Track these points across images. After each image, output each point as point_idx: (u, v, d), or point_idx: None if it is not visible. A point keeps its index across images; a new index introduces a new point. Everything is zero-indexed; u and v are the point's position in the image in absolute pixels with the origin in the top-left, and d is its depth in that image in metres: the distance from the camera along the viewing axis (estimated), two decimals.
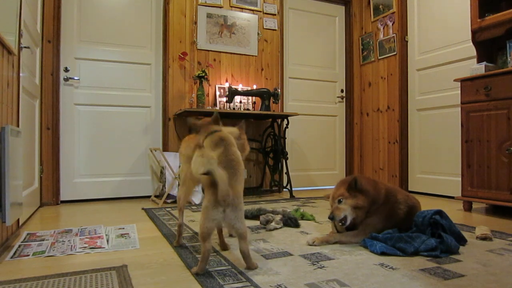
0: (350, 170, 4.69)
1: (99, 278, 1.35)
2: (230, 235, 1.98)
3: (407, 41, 4.06)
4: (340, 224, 1.80)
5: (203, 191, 2.37)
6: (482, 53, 2.95)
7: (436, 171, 3.72)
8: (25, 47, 2.29)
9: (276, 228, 2.18)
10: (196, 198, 3.24)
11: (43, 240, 1.95)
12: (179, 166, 3.10)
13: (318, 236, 1.86)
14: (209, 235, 1.38)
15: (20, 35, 2.09)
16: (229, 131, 1.70)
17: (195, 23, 3.76)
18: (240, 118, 3.82)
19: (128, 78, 3.61)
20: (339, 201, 1.78)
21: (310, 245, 1.79)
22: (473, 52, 3.04)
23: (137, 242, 1.91)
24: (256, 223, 2.31)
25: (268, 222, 2.24)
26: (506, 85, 2.55)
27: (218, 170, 1.32)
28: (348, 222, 1.78)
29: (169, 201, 3.24)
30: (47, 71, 3.21)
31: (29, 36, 2.55)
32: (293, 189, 3.81)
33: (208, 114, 3.49)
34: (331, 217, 1.77)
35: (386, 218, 1.84)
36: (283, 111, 4.22)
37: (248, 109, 3.82)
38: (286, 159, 3.77)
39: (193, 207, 3.03)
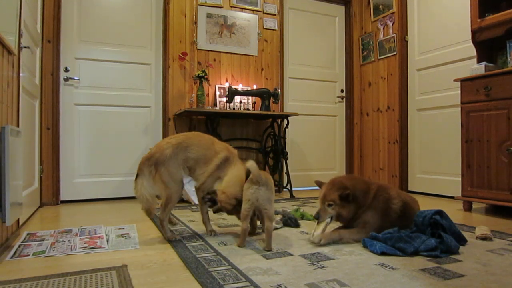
0: (350, 170, 4.69)
1: (99, 278, 1.35)
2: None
3: (407, 41, 4.06)
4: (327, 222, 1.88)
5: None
6: (482, 53, 2.95)
7: (436, 171, 3.72)
8: (25, 47, 2.29)
9: (276, 228, 2.18)
10: (196, 197, 3.23)
11: (43, 240, 1.95)
12: None
13: (323, 233, 1.85)
14: (247, 216, 1.76)
15: (20, 35, 2.09)
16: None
17: (195, 23, 3.76)
18: (240, 118, 3.83)
19: (128, 78, 3.61)
20: (329, 205, 1.84)
21: (317, 244, 1.78)
22: (473, 52, 3.04)
23: (137, 242, 1.91)
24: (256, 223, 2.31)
25: None
26: (506, 85, 2.55)
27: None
28: (328, 222, 1.87)
29: None
30: (47, 71, 3.21)
31: (29, 36, 2.55)
32: (293, 189, 3.81)
33: (208, 114, 3.49)
34: (317, 217, 1.85)
35: (382, 214, 1.86)
36: (283, 111, 4.22)
37: (248, 109, 3.82)
38: (286, 159, 3.77)
39: (193, 207, 3.03)
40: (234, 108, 3.73)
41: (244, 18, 3.97)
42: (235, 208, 1.89)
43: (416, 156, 3.97)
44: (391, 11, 4.13)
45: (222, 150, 1.99)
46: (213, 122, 3.42)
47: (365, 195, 1.86)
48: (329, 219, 1.86)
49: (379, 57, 4.31)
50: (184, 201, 3.29)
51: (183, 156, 1.92)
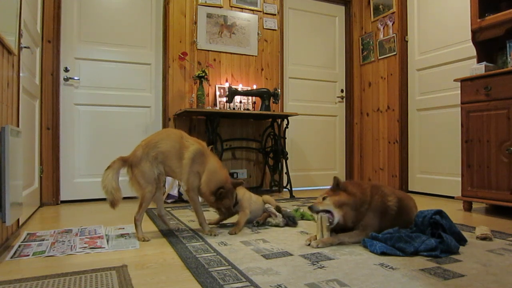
0: (350, 170, 4.70)
1: (99, 278, 1.35)
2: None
3: (407, 41, 4.06)
4: (328, 224, 1.78)
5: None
6: (482, 53, 2.95)
7: (436, 171, 3.72)
8: (25, 47, 2.29)
9: (279, 226, 2.22)
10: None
11: (43, 240, 1.95)
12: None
13: (321, 238, 1.82)
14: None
15: (20, 35, 2.09)
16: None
17: (195, 23, 3.76)
18: (240, 118, 3.83)
19: (128, 78, 3.61)
20: (323, 198, 1.86)
21: (315, 247, 1.75)
22: (473, 52, 3.04)
23: (137, 242, 1.91)
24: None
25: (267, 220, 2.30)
26: (506, 85, 2.55)
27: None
28: (336, 221, 1.78)
29: (169, 201, 3.24)
30: (47, 71, 3.21)
31: (29, 36, 2.55)
32: (293, 189, 3.81)
33: (208, 114, 3.49)
34: (310, 207, 1.83)
35: (380, 213, 1.85)
36: (283, 111, 4.22)
37: (248, 109, 3.82)
38: (286, 159, 3.77)
39: None
40: (234, 108, 3.73)
41: (244, 18, 3.97)
42: (219, 200, 2.04)
43: (416, 156, 3.97)
44: (391, 11, 4.13)
45: (192, 144, 2.02)
46: (213, 122, 3.42)
47: (361, 190, 1.87)
48: (331, 219, 1.79)
49: (379, 57, 4.31)
50: (184, 201, 3.29)
51: (153, 153, 1.99)
